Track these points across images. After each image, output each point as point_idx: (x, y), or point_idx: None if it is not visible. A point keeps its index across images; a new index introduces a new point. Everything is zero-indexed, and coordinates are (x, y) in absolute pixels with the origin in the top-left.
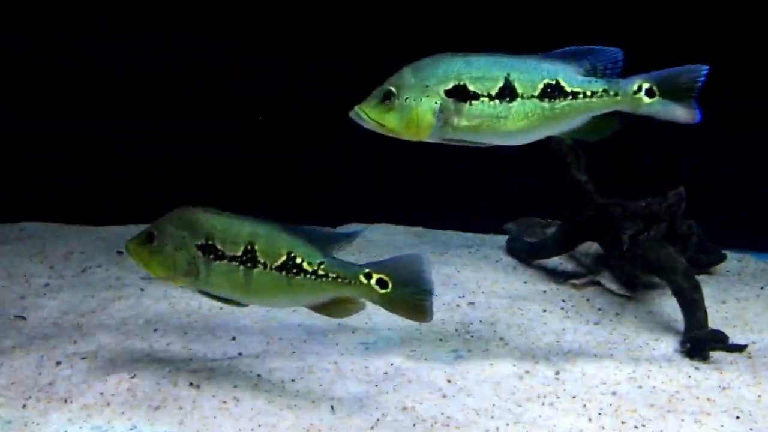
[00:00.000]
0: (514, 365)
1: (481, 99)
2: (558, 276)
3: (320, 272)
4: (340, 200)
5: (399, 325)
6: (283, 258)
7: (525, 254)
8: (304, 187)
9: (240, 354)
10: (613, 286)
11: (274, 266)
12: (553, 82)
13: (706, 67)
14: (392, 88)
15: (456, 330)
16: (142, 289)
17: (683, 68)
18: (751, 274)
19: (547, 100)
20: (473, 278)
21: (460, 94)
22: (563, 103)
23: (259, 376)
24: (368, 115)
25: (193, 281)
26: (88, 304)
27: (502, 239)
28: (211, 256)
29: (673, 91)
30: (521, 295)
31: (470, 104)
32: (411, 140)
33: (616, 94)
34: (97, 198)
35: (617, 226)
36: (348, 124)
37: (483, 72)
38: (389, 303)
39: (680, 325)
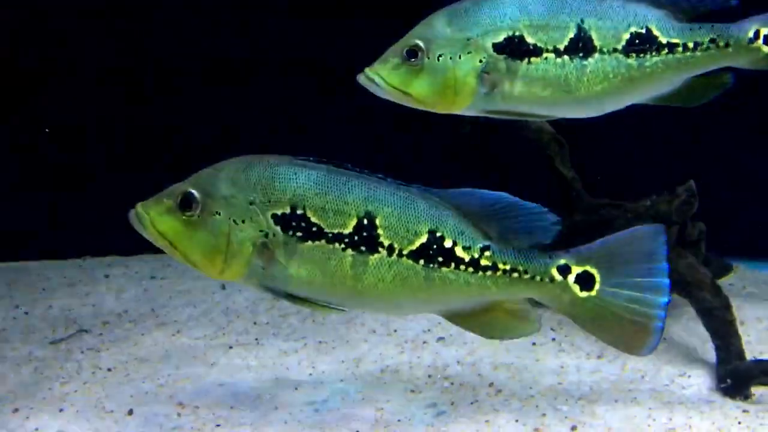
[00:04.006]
0: (517, 420)
1: (545, 55)
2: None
3: (484, 262)
4: None
5: (354, 374)
6: (423, 239)
7: None
8: None
9: None
10: None
11: (406, 252)
12: (643, 31)
13: None
14: (419, 42)
15: (429, 376)
16: None
17: None
18: (758, 287)
19: (634, 55)
20: None
21: (515, 48)
22: (656, 59)
23: None
24: (386, 80)
25: (259, 274)
26: None
27: None
28: (299, 234)
29: None
30: None
31: (529, 62)
32: (442, 113)
33: (726, 45)
34: None
35: (616, 231)
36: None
37: (546, 18)
38: (590, 315)
39: (709, 353)
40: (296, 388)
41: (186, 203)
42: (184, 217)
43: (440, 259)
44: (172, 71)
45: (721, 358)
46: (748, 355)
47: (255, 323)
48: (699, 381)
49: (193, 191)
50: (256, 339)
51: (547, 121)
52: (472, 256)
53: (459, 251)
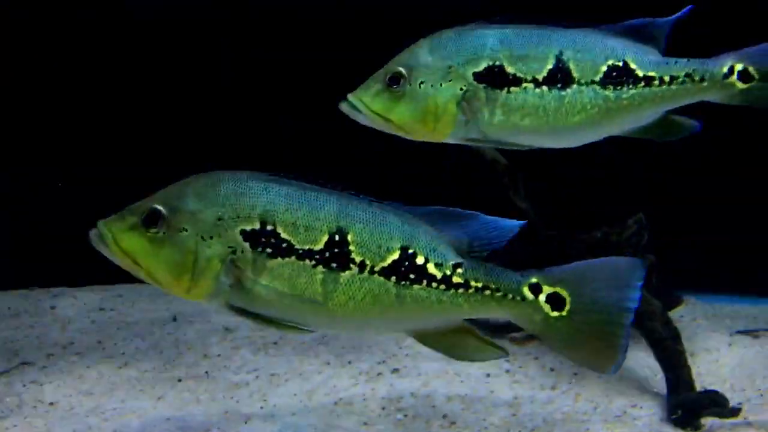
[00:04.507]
0: None
1: (524, 85)
2: (492, 329)
3: (456, 279)
4: None
5: (307, 406)
6: (395, 256)
7: None
8: None
9: None
10: None
11: (378, 269)
12: (620, 64)
13: None
14: (402, 69)
15: (383, 408)
16: None
17: None
18: (708, 319)
19: (611, 87)
20: (391, 336)
21: (495, 78)
22: (633, 92)
23: None
24: (368, 106)
25: (227, 292)
26: None
27: None
28: (268, 250)
29: None
30: None
31: (508, 92)
32: (422, 140)
33: (701, 79)
34: None
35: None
36: None
37: (526, 49)
38: (560, 334)
39: (659, 384)
40: (246, 422)
41: (151, 219)
42: (149, 234)
43: (412, 276)
44: (131, 95)
45: (672, 389)
46: (698, 386)
47: (206, 355)
48: (650, 412)
49: (159, 207)
50: (207, 372)
51: (499, 151)
52: (444, 273)
53: (431, 268)
